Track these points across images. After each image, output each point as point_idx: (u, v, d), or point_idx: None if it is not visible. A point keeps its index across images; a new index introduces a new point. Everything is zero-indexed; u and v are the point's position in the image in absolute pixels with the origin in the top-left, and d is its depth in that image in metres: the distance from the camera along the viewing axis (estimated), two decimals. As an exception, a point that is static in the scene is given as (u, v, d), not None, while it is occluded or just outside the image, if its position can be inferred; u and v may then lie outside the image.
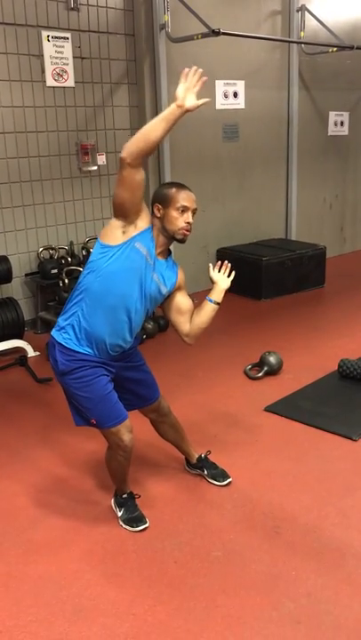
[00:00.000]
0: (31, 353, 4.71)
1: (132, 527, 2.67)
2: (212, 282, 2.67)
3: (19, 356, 4.58)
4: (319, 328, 5.20)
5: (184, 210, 2.41)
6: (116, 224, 2.38)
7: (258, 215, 6.88)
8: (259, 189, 6.82)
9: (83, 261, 5.33)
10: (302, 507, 2.78)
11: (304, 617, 2.16)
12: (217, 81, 6.05)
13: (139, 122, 5.66)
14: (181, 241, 2.47)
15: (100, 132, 5.48)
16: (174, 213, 2.40)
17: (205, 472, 2.97)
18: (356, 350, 4.53)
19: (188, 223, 2.42)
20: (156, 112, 5.59)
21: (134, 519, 2.69)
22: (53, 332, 2.52)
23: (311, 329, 5.18)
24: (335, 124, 7.51)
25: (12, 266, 4.86)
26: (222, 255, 6.40)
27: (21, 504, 2.88)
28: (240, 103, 6.32)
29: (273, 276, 6.09)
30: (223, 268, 2.70)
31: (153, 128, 2.25)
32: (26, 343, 4.75)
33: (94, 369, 2.44)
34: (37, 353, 4.74)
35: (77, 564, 2.46)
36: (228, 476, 2.95)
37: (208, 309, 2.62)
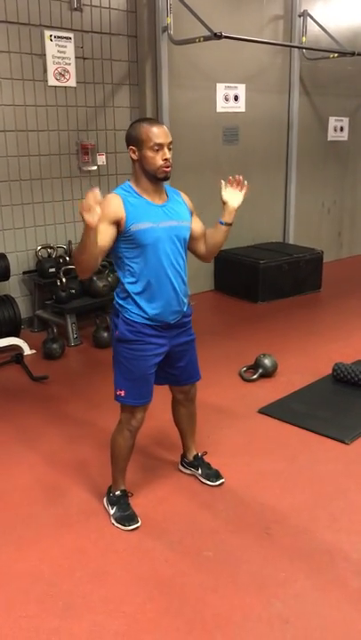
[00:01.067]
0: (27, 351, 4.72)
1: (124, 526, 2.68)
2: (223, 202, 2.63)
3: (15, 354, 4.59)
4: (315, 332, 5.22)
5: (159, 147, 2.36)
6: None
7: (256, 218, 6.90)
8: (258, 193, 6.84)
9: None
10: (293, 509, 2.80)
11: (293, 617, 2.18)
12: (218, 84, 6.08)
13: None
14: (164, 179, 2.44)
15: (101, 132, 5.50)
16: (150, 153, 2.36)
17: (200, 471, 2.99)
18: (351, 354, 4.55)
19: (165, 160, 2.37)
20: (157, 113, 5.64)
21: (126, 518, 2.70)
22: (117, 300, 2.56)
23: (307, 332, 5.20)
24: (335, 130, 7.54)
25: (10, 263, 4.88)
26: (220, 257, 6.41)
27: (13, 501, 2.89)
28: (241, 106, 6.34)
29: (270, 279, 6.11)
30: (235, 183, 2.66)
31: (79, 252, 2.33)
32: (22, 341, 4.76)
33: (149, 345, 2.52)
34: (34, 351, 4.75)
35: (68, 562, 2.47)
36: (221, 477, 2.97)
37: (221, 231, 2.63)
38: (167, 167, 2.40)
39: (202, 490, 2.94)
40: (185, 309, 2.62)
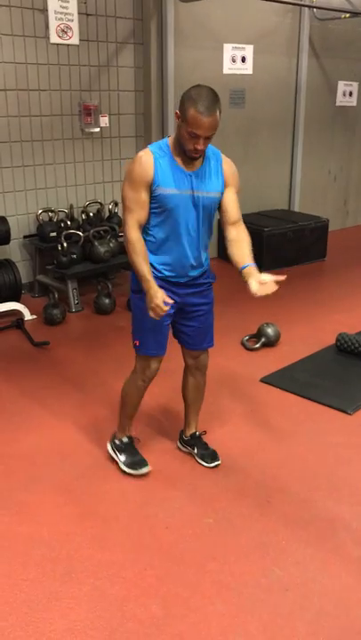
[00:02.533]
0: (28, 316, 4.68)
1: (136, 470, 2.73)
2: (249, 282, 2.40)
3: (15, 319, 4.56)
4: (318, 301, 5.18)
5: (195, 137, 2.27)
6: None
7: (261, 185, 6.79)
8: (263, 158, 6.72)
9: (82, 225, 5.27)
10: (294, 477, 2.79)
11: (292, 585, 2.19)
12: (225, 44, 5.90)
13: (143, 83, 5.54)
14: (191, 158, 2.37)
15: (104, 92, 5.36)
16: (186, 134, 2.28)
17: (195, 450, 2.91)
18: (355, 325, 4.51)
19: (195, 149, 2.30)
20: (162, 74, 5.49)
21: (137, 463, 2.75)
22: None
23: (310, 302, 5.15)
24: (344, 95, 7.37)
25: (11, 227, 4.80)
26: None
27: (15, 466, 2.89)
28: (248, 68, 6.17)
29: (274, 247, 6.03)
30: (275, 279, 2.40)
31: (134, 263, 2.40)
32: (23, 306, 4.71)
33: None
34: (34, 316, 4.71)
35: (69, 527, 2.47)
36: (217, 459, 2.87)
37: (238, 260, 2.48)
38: (196, 153, 2.34)
39: (203, 457, 2.94)
40: (197, 274, 2.58)
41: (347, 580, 2.21)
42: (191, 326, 2.68)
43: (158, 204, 2.40)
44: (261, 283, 2.34)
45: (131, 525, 2.49)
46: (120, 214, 5.54)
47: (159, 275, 2.50)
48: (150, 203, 2.40)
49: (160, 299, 2.32)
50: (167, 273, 2.51)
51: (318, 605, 2.10)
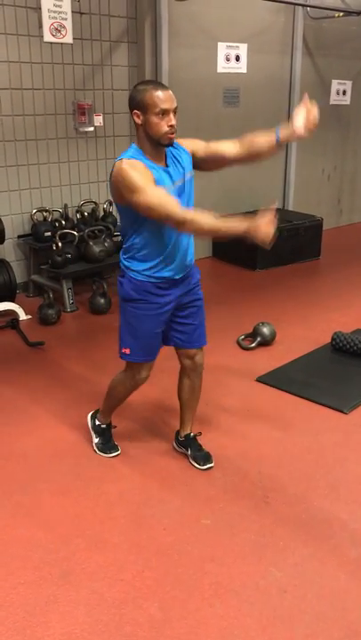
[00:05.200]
0: (23, 316, 4.66)
1: (107, 454, 2.91)
2: (293, 127, 2.41)
3: (10, 319, 4.54)
4: (314, 300, 5.18)
5: (165, 113, 2.28)
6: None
7: (255, 184, 6.77)
8: (257, 157, 6.71)
9: (77, 225, 5.25)
10: (292, 478, 2.79)
11: (290, 586, 2.18)
12: (219, 43, 5.88)
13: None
14: (168, 145, 2.37)
15: (98, 91, 5.34)
16: (155, 119, 2.28)
17: (189, 452, 2.90)
18: (350, 323, 4.52)
19: (171, 126, 2.30)
20: (156, 73, 5.47)
21: (110, 447, 2.93)
22: (122, 260, 2.55)
23: (306, 301, 5.15)
24: (337, 93, 7.36)
25: (5, 227, 4.78)
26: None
27: (11, 467, 2.87)
28: (242, 67, 6.15)
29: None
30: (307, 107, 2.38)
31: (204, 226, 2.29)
32: (17, 306, 4.69)
33: (153, 304, 2.52)
34: (29, 316, 4.69)
35: (66, 529, 2.46)
36: (209, 461, 2.85)
37: (269, 145, 2.45)
38: (172, 134, 2.33)
39: (200, 458, 2.93)
40: (189, 263, 2.58)
41: (345, 582, 2.21)
42: (187, 324, 2.68)
43: (135, 214, 2.36)
44: (299, 120, 2.36)
45: (128, 527, 2.48)
46: (115, 214, 5.54)
47: (155, 280, 2.49)
48: (130, 211, 2.35)
49: (264, 224, 2.22)
50: (166, 274, 2.50)
51: (317, 607, 2.10)
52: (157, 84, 2.35)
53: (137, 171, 2.29)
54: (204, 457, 2.87)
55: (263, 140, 2.47)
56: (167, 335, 2.69)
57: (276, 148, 2.47)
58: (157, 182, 2.34)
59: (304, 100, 2.42)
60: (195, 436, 2.94)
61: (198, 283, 2.69)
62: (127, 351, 2.61)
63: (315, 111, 2.40)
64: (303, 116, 2.40)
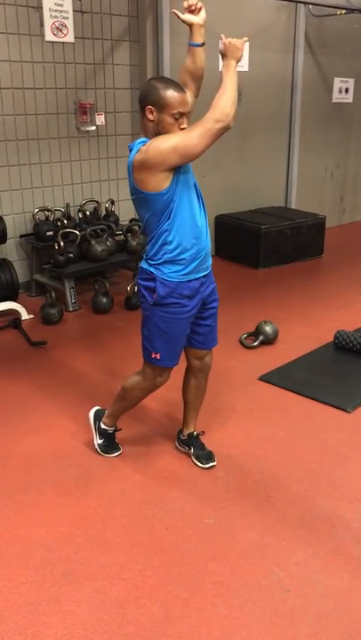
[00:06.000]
0: (25, 316, 4.66)
1: (109, 454, 2.91)
2: (188, 24, 2.48)
3: (12, 319, 4.54)
4: (316, 299, 5.17)
5: (180, 116, 2.27)
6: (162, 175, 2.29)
7: (258, 182, 6.77)
8: (260, 156, 6.70)
9: (79, 224, 5.25)
10: (294, 477, 2.78)
11: (293, 586, 2.18)
12: (220, 41, 5.85)
13: (139, 81, 5.51)
14: None
15: (100, 90, 5.33)
16: (170, 120, 2.27)
17: (192, 451, 2.89)
18: (353, 322, 4.50)
19: (183, 129, 2.29)
20: (158, 71, 5.46)
21: (112, 447, 2.92)
22: (151, 264, 2.47)
23: (308, 299, 5.14)
24: (340, 91, 7.34)
25: (7, 226, 4.78)
26: (221, 222, 6.31)
27: (13, 467, 2.87)
28: (243, 66, 6.13)
29: (271, 244, 6.02)
30: (191, 5, 2.45)
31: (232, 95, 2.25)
32: (20, 306, 4.69)
33: (184, 308, 2.49)
34: (31, 316, 4.69)
35: (68, 528, 2.46)
36: (212, 460, 2.84)
37: (198, 54, 2.51)
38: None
39: (202, 457, 2.92)
40: (210, 256, 2.57)
41: (348, 581, 2.20)
42: (206, 325, 2.68)
43: (170, 196, 2.33)
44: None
45: (130, 526, 2.48)
46: (117, 213, 5.54)
47: (186, 278, 2.44)
48: (164, 196, 2.32)
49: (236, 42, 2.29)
50: (194, 264, 2.44)
51: (320, 606, 2.09)
52: (176, 84, 2.30)
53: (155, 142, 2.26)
54: (206, 455, 2.86)
55: (189, 59, 2.54)
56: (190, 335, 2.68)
57: (198, 48, 2.52)
58: (184, 170, 2.34)
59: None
60: (198, 434, 2.93)
61: (215, 285, 2.69)
62: (158, 356, 2.55)
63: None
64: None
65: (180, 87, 2.31)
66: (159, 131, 2.31)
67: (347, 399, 3.43)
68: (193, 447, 2.90)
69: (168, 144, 2.23)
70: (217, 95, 2.23)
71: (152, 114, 2.29)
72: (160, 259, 2.43)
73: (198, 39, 2.51)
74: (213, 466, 2.84)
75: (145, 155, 2.26)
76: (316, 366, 3.88)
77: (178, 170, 2.32)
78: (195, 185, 2.46)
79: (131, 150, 2.36)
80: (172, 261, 2.42)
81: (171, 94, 2.25)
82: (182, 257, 2.42)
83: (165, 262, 2.43)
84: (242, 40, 2.35)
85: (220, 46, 2.36)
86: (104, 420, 2.89)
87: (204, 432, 2.96)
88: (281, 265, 6.10)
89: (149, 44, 5.40)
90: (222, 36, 2.36)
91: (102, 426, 2.89)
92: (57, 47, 4.96)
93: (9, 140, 4.88)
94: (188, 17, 2.46)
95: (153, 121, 2.31)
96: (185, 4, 2.46)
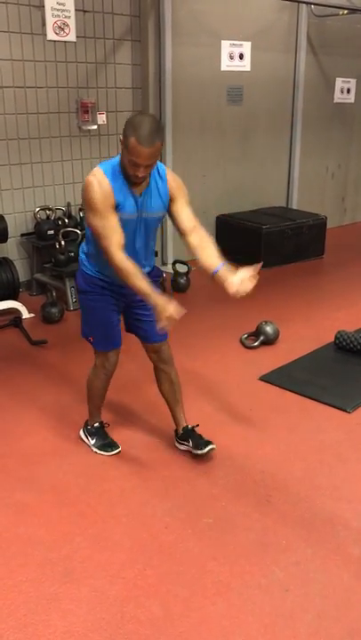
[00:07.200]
0: (26, 315, 4.66)
1: (107, 452, 2.92)
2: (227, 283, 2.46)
3: (13, 318, 4.54)
4: (317, 299, 5.17)
5: (136, 164, 2.31)
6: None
7: (259, 182, 6.77)
8: (261, 156, 6.70)
9: (80, 223, 5.25)
10: (294, 476, 2.78)
11: (293, 585, 2.18)
12: (223, 41, 5.87)
13: (141, 81, 5.52)
14: (134, 183, 2.41)
15: (102, 89, 5.33)
16: (127, 160, 2.32)
17: (190, 443, 2.89)
18: (354, 322, 4.50)
19: (136, 176, 2.35)
20: (159, 71, 5.46)
21: (108, 445, 2.94)
22: (80, 255, 2.72)
23: (309, 300, 5.14)
24: (341, 91, 7.34)
25: (8, 225, 4.78)
26: (222, 222, 6.31)
27: (12, 465, 2.88)
28: (246, 65, 6.15)
29: (273, 244, 6.02)
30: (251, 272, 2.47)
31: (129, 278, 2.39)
32: (21, 304, 4.69)
33: (104, 296, 2.65)
34: (32, 315, 4.69)
35: (68, 527, 2.46)
36: (211, 443, 2.85)
37: (208, 264, 2.49)
38: (137, 179, 2.38)
39: (201, 457, 2.92)
40: (147, 271, 2.65)
41: (347, 580, 2.20)
42: (146, 320, 2.70)
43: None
44: (238, 282, 2.40)
45: (130, 525, 2.48)
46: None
47: (103, 283, 2.62)
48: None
49: (172, 310, 2.31)
50: (109, 277, 2.58)
51: (319, 606, 2.09)
52: (148, 135, 2.25)
53: (100, 192, 2.35)
54: (204, 442, 2.88)
55: (205, 259, 2.51)
56: (132, 328, 2.81)
57: (210, 276, 2.49)
58: (119, 207, 2.40)
59: (256, 267, 2.49)
60: (193, 427, 2.94)
61: (157, 281, 2.77)
62: (92, 339, 2.77)
63: (252, 283, 2.46)
64: (243, 278, 2.44)
65: (148, 139, 2.26)
66: (122, 158, 2.37)
67: (347, 399, 3.43)
68: (191, 439, 2.90)
69: (87, 208, 2.41)
70: (131, 268, 2.38)
71: (121, 143, 2.34)
72: (89, 252, 2.63)
73: (218, 279, 2.47)
74: (213, 449, 2.86)
75: (85, 185, 2.41)
76: (316, 366, 3.88)
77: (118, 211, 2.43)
78: (145, 219, 2.52)
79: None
80: (93, 262, 2.62)
81: (133, 143, 2.26)
82: (100, 269, 2.60)
83: (91, 256, 2.62)
84: (179, 313, 2.33)
85: (231, 289, 2.41)
86: (88, 421, 3.03)
87: (198, 425, 2.97)
88: (282, 265, 6.10)
89: (151, 43, 5.40)
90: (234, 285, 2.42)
91: (88, 427, 3.02)
92: (59, 46, 4.96)
93: (10, 139, 4.89)
94: (231, 286, 2.44)
95: (121, 150, 2.36)
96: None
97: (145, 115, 2.34)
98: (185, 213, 2.54)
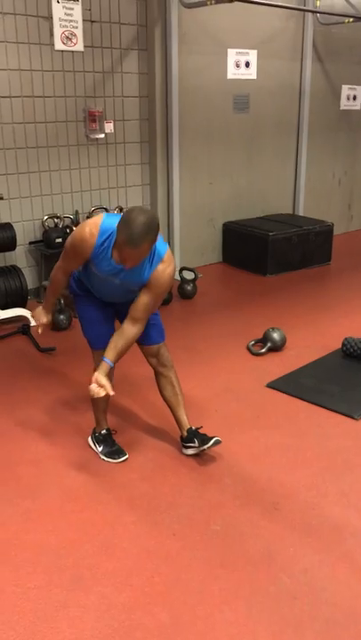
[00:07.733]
0: (34, 322, 4.68)
1: (115, 459, 2.93)
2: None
3: (21, 325, 4.57)
4: (324, 306, 5.17)
5: (122, 258, 2.42)
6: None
7: (266, 189, 6.79)
8: (268, 163, 6.72)
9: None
10: (302, 484, 2.78)
11: (300, 593, 2.18)
12: (229, 49, 5.91)
13: (148, 89, 5.56)
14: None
15: (109, 98, 5.37)
16: (115, 252, 2.45)
17: (196, 443, 2.90)
18: (361, 329, 4.50)
19: (122, 264, 2.46)
20: (166, 79, 5.50)
21: (115, 452, 2.96)
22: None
23: (316, 306, 5.14)
24: (348, 98, 7.36)
25: (17, 233, 4.82)
26: (229, 229, 6.33)
27: (22, 472, 2.89)
28: (252, 73, 6.18)
29: (279, 251, 6.03)
30: None
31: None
32: (29, 312, 4.72)
33: (93, 299, 2.79)
34: (40, 322, 4.71)
35: (76, 534, 2.47)
36: (215, 437, 2.88)
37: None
38: (124, 266, 2.47)
39: (210, 464, 2.93)
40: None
41: (356, 588, 2.20)
42: None
43: (89, 274, 2.67)
44: (97, 382, 2.57)
45: (137, 532, 2.49)
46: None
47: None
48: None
49: (98, 384, 2.58)
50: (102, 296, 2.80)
51: (327, 614, 2.09)
52: (136, 237, 2.30)
53: (80, 245, 2.49)
54: (210, 437, 2.89)
55: (109, 343, 2.65)
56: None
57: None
58: (94, 263, 2.54)
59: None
60: (196, 428, 2.96)
61: None
62: (86, 339, 2.92)
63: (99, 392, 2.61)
64: (100, 383, 2.60)
65: (135, 242, 2.31)
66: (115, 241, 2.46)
67: (354, 406, 3.43)
68: (197, 439, 2.91)
69: (63, 251, 2.67)
70: (49, 286, 2.86)
71: (117, 228, 2.40)
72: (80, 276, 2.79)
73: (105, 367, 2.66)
74: (219, 441, 2.87)
75: (78, 225, 2.78)
76: (323, 373, 3.88)
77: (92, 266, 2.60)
78: (122, 282, 2.60)
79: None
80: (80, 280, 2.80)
81: (121, 240, 2.35)
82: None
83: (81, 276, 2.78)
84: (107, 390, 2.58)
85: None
86: (95, 429, 3.05)
87: (201, 427, 2.98)
88: (289, 272, 6.11)
89: (158, 52, 5.44)
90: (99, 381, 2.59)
91: (95, 434, 3.05)
92: (67, 56, 5.01)
93: (19, 148, 4.93)
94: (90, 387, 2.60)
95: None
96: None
97: (141, 212, 2.35)
98: (140, 303, 2.58)
